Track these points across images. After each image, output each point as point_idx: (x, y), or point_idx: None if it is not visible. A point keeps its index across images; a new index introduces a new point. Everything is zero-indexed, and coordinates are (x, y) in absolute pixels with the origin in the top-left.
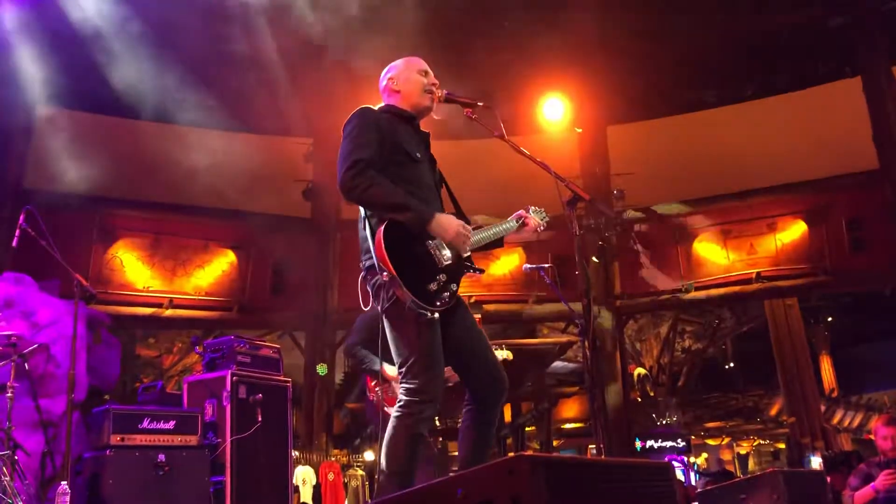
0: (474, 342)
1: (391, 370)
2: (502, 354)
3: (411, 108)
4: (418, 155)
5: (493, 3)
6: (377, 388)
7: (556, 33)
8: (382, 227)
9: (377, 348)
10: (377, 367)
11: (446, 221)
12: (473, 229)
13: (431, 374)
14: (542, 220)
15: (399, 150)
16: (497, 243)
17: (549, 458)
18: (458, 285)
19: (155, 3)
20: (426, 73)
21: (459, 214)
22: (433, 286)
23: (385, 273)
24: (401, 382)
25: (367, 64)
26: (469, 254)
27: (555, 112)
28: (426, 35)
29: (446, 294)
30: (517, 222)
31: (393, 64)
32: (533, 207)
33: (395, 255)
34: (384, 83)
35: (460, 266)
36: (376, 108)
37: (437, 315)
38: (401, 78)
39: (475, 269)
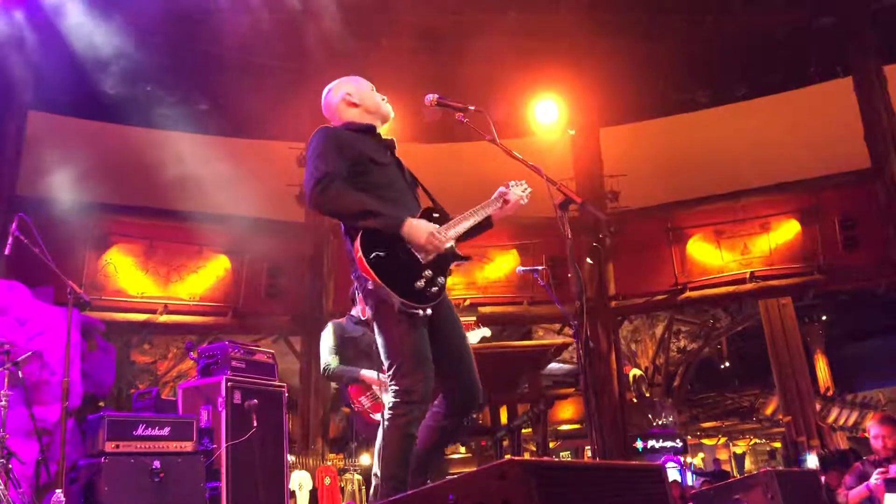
0: (460, 349)
1: (371, 374)
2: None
3: (371, 119)
4: (384, 161)
5: (486, 6)
6: (361, 398)
7: (549, 36)
8: (359, 237)
9: (347, 360)
10: (357, 375)
11: (416, 227)
12: (453, 220)
13: (420, 375)
14: (523, 192)
15: (363, 159)
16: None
17: (540, 463)
18: (445, 277)
19: (146, 9)
20: (373, 88)
21: (438, 209)
22: (420, 283)
23: (369, 282)
24: (389, 385)
25: (360, 68)
26: (453, 244)
27: (548, 114)
28: (418, 39)
29: (434, 288)
30: (497, 201)
31: (339, 81)
32: (513, 182)
33: (375, 262)
34: (338, 98)
35: (445, 258)
36: (335, 126)
37: (428, 312)
38: (358, 92)
39: (461, 258)
